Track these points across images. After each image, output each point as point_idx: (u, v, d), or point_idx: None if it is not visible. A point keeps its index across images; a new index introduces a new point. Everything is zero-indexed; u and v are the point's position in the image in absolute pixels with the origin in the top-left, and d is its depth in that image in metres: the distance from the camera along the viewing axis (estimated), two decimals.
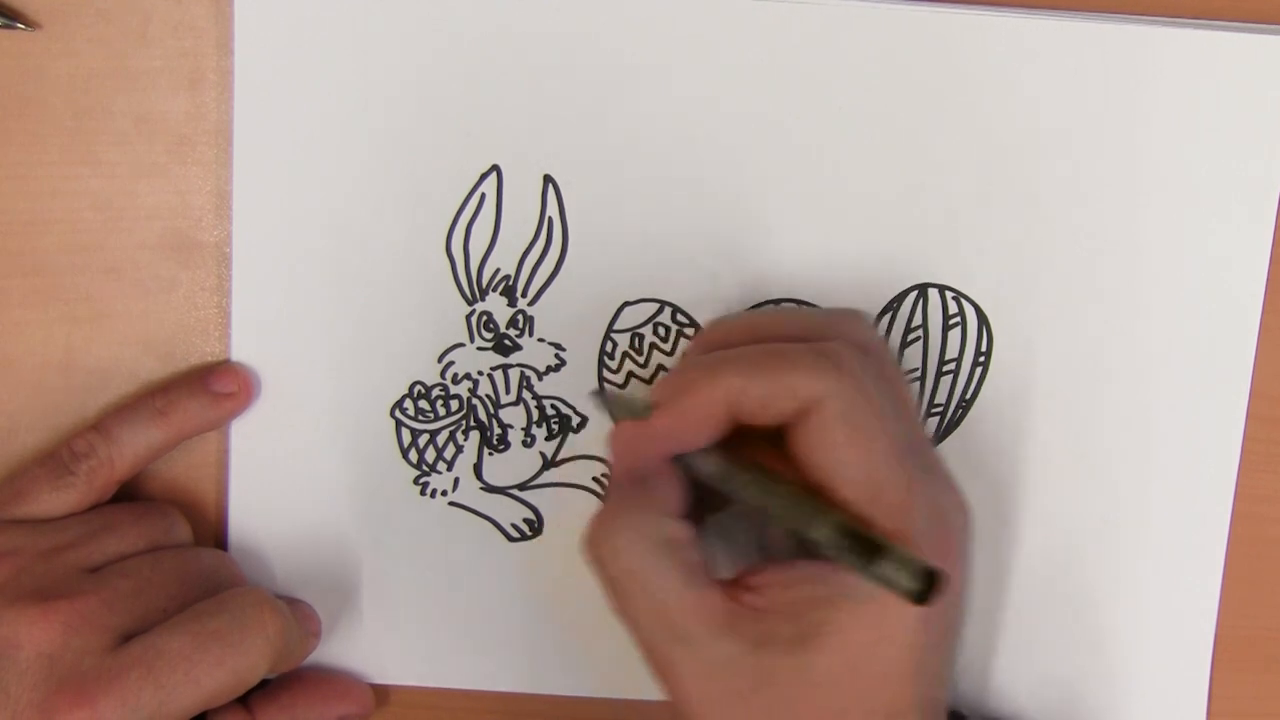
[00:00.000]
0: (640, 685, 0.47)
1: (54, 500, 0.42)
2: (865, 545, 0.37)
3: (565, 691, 0.47)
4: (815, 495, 0.38)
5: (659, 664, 0.39)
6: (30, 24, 0.44)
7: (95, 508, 0.43)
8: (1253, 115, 0.45)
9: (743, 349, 0.40)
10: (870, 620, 0.38)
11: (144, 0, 0.44)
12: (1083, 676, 0.47)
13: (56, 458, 0.43)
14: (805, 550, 0.39)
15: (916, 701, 0.39)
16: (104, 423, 0.43)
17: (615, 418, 0.41)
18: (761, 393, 0.38)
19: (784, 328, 0.41)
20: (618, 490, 0.41)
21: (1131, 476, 0.46)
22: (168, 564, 0.42)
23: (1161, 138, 0.45)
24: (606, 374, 0.46)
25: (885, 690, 0.38)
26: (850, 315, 0.43)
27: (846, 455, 0.38)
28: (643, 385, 0.46)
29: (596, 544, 0.39)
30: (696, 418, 0.39)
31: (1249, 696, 0.48)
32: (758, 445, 0.40)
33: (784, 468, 0.39)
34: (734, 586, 0.39)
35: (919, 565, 0.36)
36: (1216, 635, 0.47)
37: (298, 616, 0.44)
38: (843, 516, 0.37)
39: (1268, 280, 0.46)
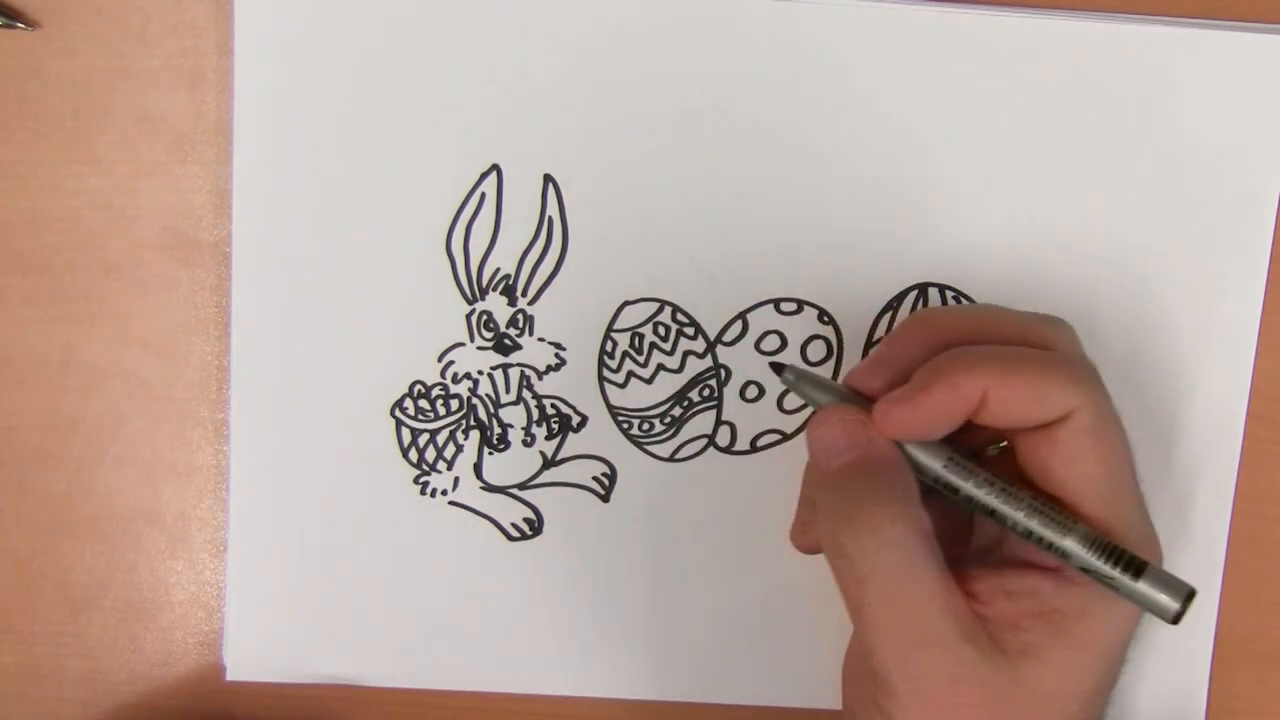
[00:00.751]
0: (639, 686, 0.47)
1: None
2: (1126, 562, 0.37)
3: (565, 692, 0.47)
4: (1056, 505, 0.38)
5: (908, 667, 0.37)
6: (30, 24, 0.44)
7: None
8: (1253, 115, 0.45)
9: (995, 348, 0.39)
10: (1088, 638, 0.38)
11: (144, 0, 0.44)
12: None
13: None
14: (1002, 555, 0.39)
15: (1104, 713, 0.39)
16: None
17: (815, 402, 0.40)
18: (1016, 395, 0.37)
19: (1002, 328, 0.40)
20: (854, 479, 0.38)
21: None
22: None
23: (1162, 137, 0.45)
24: (606, 373, 0.46)
25: (1092, 703, 0.38)
26: (1061, 324, 0.41)
27: (1093, 470, 0.37)
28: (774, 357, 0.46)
29: (851, 537, 0.37)
30: (945, 410, 0.38)
31: (1249, 696, 0.48)
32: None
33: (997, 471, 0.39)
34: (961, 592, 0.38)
35: (1182, 585, 0.36)
36: (1216, 635, 0.47)
37: None
38: (1092, 530, 0.37)
39: (1268, 280, 0.46)
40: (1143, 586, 0.36)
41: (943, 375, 0.38)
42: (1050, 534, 0.37)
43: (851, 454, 0.39)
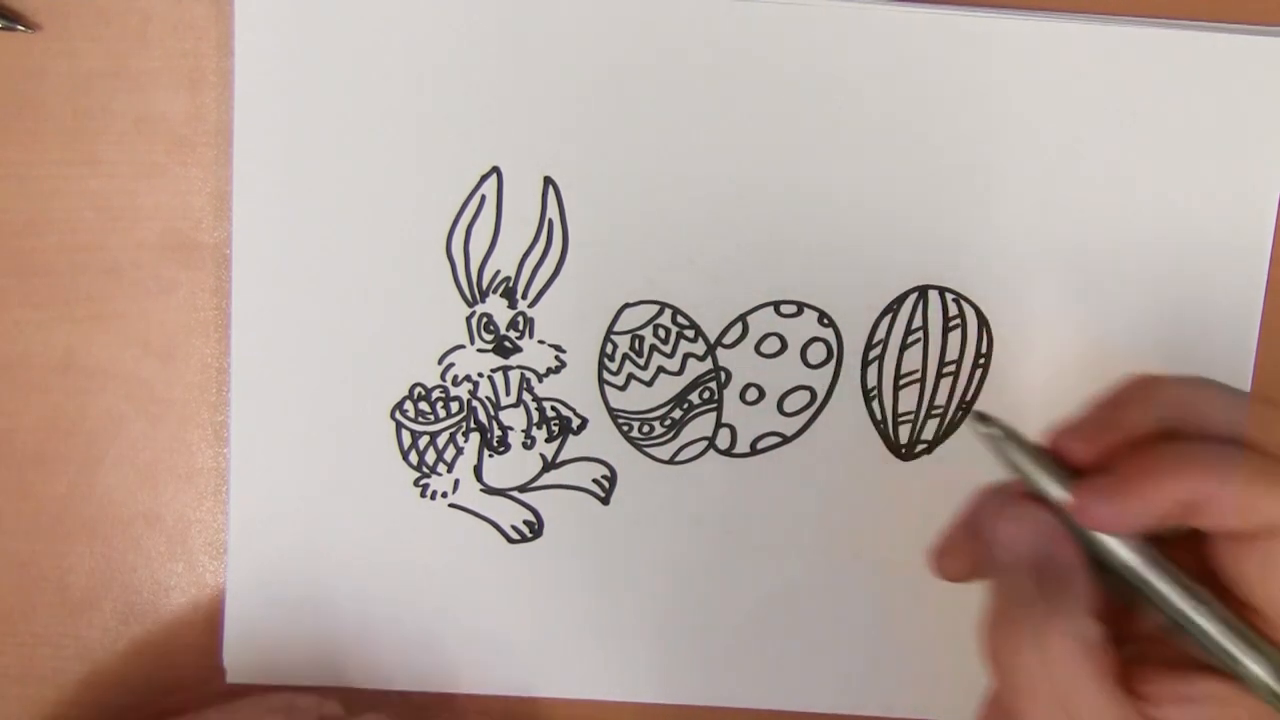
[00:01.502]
0: (639, 688, 0.47)
1: None
2: None
3: (565, 694, 0.47)
4: (1244, 619, 0.36)
5: None
6: (30, 24, 0.44)
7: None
8: (1253, 115, 0.45)
9: (1210, 449, 0.36)
10: None
11: (144, 0, 0.44)
12: None
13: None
14: (1168, 649, 0.37)
15: None
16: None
17: (1014, 469, 0.36)
18: (1227, 505, 0.35)
19: (1217, 411, 0.37)
20: (1026, 579, 0.36)
21: None
22: None
23: (1162, 138, 0.45)
24: (606, 376, 0.46)
25: None
26: (1275, 406, 0.38)
27: None
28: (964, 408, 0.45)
29: (1017, 648, 0.35)
30: (1152, 512, 0.35)
31: None
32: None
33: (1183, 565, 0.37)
34: (1130, 693, 0.36)
35: None
36: None
37: None
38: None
39: (1268, 280, 0.46)
40: None
41: (1154, 478, 0.35)
42: (1233, 653, 0.35)
43: (1032, 556, 0.36)
